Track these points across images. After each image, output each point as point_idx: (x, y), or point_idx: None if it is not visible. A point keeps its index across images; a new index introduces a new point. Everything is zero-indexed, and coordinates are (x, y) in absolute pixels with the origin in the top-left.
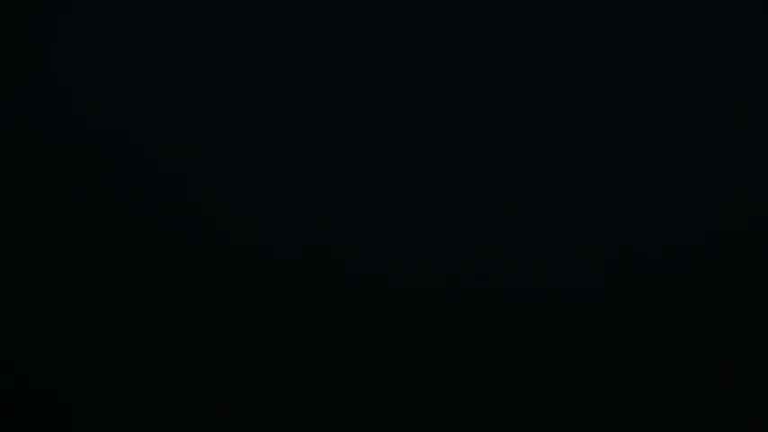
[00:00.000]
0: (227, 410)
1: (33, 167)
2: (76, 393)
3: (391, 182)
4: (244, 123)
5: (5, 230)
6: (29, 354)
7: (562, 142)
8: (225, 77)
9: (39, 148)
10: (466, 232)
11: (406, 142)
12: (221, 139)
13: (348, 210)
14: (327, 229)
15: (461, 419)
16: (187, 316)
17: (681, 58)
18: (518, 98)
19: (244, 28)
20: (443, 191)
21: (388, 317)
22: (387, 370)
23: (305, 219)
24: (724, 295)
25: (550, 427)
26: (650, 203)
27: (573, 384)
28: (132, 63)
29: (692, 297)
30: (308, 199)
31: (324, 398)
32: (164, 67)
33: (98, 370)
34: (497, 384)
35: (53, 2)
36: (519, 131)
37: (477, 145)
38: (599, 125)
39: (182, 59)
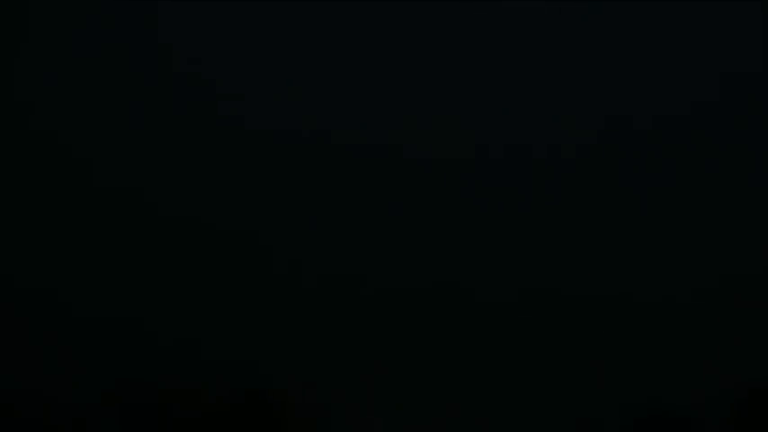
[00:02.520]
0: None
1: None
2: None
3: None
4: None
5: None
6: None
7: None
8: None
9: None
10: (469, 110)
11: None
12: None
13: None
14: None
15: (462, 290)
16: (206, 198)
17: None
18: None
19: None
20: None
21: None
22: (390, 237)
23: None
24: (705, 160)
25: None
26: (640, 77)
27: (568, 250)
28: None
29: (681, 163)
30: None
31: (332, 269)
32: None
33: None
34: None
35: None
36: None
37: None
38: (593, 7)
39: None
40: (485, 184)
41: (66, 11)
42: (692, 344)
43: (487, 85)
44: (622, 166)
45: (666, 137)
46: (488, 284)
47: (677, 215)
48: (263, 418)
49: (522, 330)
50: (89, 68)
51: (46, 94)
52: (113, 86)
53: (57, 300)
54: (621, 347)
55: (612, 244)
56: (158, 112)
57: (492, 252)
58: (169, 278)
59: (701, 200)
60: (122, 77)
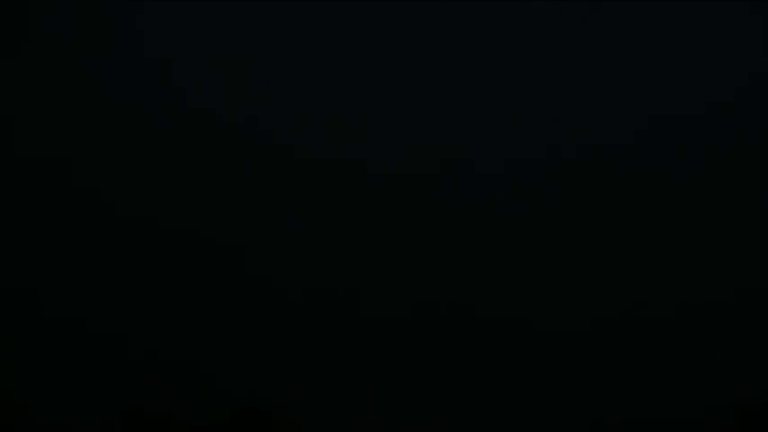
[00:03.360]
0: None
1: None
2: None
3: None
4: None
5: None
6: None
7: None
8: None
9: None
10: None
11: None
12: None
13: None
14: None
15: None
16: (204, 208)
17: None
18: None
19: None
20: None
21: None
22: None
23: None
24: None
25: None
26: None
27: (566, 259)
28: None
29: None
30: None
31: (322, 283)
32: None
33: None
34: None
35: None
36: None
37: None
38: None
39: None
40: (489, 190)
41: (57, 15)
42: (694, 356)
43: (485, 86)
44: (623, 170)
45: (668, 139)
46: (485, 298)
47: (682, 222)
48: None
49: (523, 342)
50: (76, 75)
51: (40, 102)
52: (101, 91)
53: (42, 314)
54: (626, 360)
55: (615, 253)
56: (142, 117)
57: (488, 264)
58: (154, 295)
59: (706, 206)
60: (113, 82)
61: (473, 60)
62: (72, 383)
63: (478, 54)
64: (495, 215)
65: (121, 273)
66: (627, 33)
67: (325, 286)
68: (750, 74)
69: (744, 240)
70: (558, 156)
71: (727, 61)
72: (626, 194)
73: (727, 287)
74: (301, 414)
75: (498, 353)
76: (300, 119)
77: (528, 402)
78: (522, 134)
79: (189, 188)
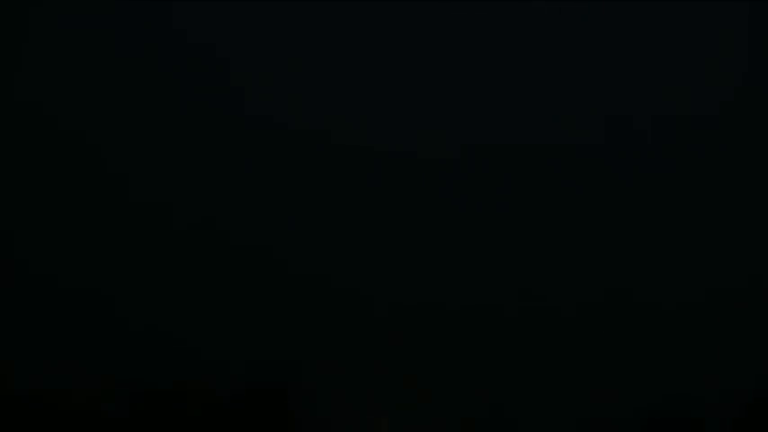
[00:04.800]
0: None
1: None
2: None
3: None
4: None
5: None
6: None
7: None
8: None
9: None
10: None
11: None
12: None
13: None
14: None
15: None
16: (214, 203)
17: None
18: None
19: None
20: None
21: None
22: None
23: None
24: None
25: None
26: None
27: (569, 253)
28: None
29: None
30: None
31: (331, 269)
32: None
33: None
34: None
35: None
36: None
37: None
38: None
39: None
40: (488, 185)
41: (72, 7)
42: (697, 347)
43: (486, 85)
44: (622, 168)
45: (669, 138)
46: (489, 290)
47: (683, 215)
48: (268, 414)
49: (528, 335)
50: (94, 62)
51: (57, 92)
52: (116, 82)
53: (60, 295)
54: (627, 351)
55: (616, 245)
56: (162, 110)
57: (489, 257)
58: (168, 276)
59: (707, 201)
60: (128, 72)
61: (476, 59)
62: (90, 362)
63: (480, 53)
64: (499, 208)
65: (141, 257)
66: (626, 33)
67: (336, 272)
68: (747, 74)
69: (740, 236)
70: (556, 152)
71: (727, 61)
72: (623, 191)
73: (725, 282)
74: (312, 393)
75: (505, 345)
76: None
77: (529, 394)
78: (521, 130)
79: (200, 178)
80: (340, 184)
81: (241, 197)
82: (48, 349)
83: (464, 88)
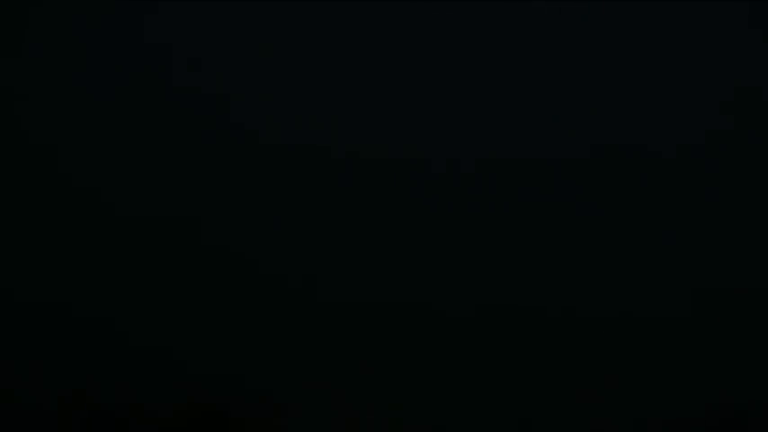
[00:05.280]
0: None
1: None
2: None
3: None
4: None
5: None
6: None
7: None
8: None
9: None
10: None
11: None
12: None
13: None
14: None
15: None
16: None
17: None
18: None
19: None
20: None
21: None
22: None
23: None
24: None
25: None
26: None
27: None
28: None
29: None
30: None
31: (296, 273)
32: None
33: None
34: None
35: None
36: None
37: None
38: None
39: None
40: (483, 190)
41: (62, 16)
42: (680, 359)
43: (484, 87)
44: (618, 177)
45: (669, 140)
46: (472, 298)
47: (674, 227)
48: (211, 427)
49: (517, 344)
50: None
51: (44, 103)
52: (107, 91)
53: (14, 299)
54: (612, 363)
55: (605, 257)
56: (148, 118)
57: (477, 266)
58: (130, 284)
59: (700, 213)
60: (115, 80)
61: (474, 61)
62: (27, 377)
63: (479, 54)
64: (500, 214)
65: (100, 262)
66: (627, 33)
67: (309, 275)
68: (750, 76)
69: (742, 240)
70: (557, 155)
71: (728, 62)
72: (625, 195)
73: (727, 287)
74: (261, 413)
75: (501, 349)
76: (300, 115)
77: (530, 397)
78: (523, 134)
79: (177, 176)
80: (332, 193)
81: (218, 202)
82: None
83: (461, 90)
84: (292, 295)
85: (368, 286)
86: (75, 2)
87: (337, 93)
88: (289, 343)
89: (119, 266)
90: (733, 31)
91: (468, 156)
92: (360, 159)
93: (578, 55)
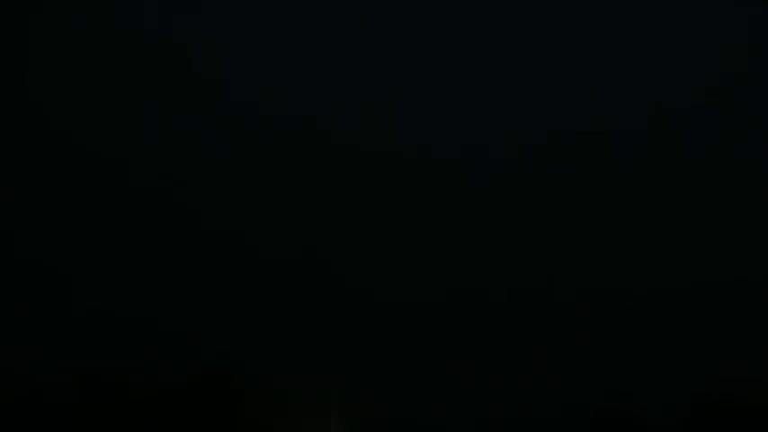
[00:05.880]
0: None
1: None
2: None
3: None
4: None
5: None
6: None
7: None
8: None
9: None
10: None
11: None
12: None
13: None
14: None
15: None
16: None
17: None
18: None
19: None
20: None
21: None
22: None
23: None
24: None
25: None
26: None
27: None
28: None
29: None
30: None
31: (296, 249)
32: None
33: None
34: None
35: None
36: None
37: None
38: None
39: None
40: (484, 182)
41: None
42: (660, 342)
43: (479, 81)
44: (612, 164)
45: (659, 133)
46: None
47: (662, 213)
48: (220, 398)
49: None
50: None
51: (58, 92)
52: (120, 81)
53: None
54: (601, 343)
55: (589, 241)
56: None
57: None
58: (132, 259)
59: (684, 198)
60: (128, 71)
61: (480, 53)
62: (36, 346)
63: (484, 47)
64: (508, 200)
65: (98, 241)
66: (629, 24)
67: (313, 258)
68: (742, 61)
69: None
70: (559, 142)
71: (722, 48)
72: (624, 181)
73: (725, 273)
74: (271, 378)
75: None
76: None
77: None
78: (529, 121)
79: (189, 161)
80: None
81: (209, 185)
82: None
83: (455, 85)
84: (303, 281)
85: (375, 272)
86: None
87: (344, 75)
88: (294, 323)
89: (139, 248)
90: (718, 10)
91: (480, 143)
92: (360, 151)
93: (569, 49)
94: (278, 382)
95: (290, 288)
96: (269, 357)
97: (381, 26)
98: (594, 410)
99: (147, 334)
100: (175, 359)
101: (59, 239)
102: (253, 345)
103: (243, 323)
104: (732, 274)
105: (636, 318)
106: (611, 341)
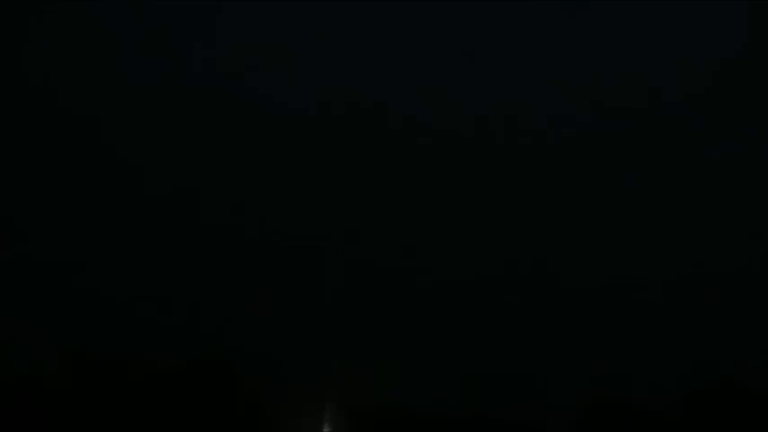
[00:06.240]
0: None
1: None
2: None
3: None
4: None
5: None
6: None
7: None
8: None
9: None
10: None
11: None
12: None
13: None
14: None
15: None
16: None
17: None
18: None
19: None
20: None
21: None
22: None
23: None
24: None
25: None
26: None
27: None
28: None
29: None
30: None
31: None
32: None
33: None
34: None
35: None
36: None
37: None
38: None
39: None
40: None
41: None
42: (656, 332)
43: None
44: (613, 150)
45: (659, 120)
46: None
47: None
48: (215, 382)
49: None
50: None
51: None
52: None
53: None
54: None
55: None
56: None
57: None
58: (126, 243)
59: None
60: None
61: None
62: (35, 329)
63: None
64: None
65: (94, 224)
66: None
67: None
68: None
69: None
70: (560, 112)
71: (719, 21)
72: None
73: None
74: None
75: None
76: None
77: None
78: (528, 91)
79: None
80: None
81: (202, 163)
82: None
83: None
84: (299, 257)
85: (374, 247)
86: None
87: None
88: (292, 304)
89: (140, 228)
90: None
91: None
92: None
93: (571, 32)
94: (280, 368)
95: (298, 271)
96: (272, 342)
97: None
98: (590, 395)
99: (145, 316)
100: (175, 342)
101: (60, 224)
102: (256, 329)
103: (248, 306)
104: (735, 264)
105: (642, 306)
106: (617, 327)
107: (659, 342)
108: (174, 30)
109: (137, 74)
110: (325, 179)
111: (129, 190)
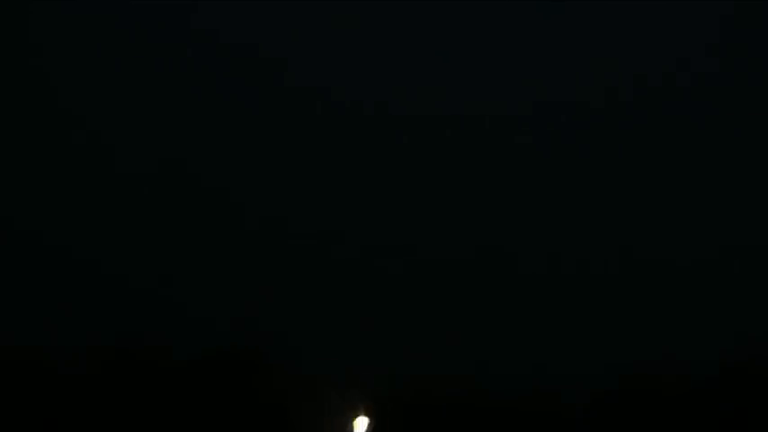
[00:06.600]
0: None
1: None
2: None
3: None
4: None
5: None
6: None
7: None
8: None
9: None
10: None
11: None
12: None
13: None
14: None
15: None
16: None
17: None
18: None
19: None
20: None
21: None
22: None
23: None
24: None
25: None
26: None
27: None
28: None
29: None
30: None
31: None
32: None
33: None
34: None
35: None
36: None
37: None
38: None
39: None
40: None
41: None
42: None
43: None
44: (626, 131)
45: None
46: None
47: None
48: (236, 371)
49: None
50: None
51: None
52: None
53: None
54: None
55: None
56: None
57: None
58: (138, 232)
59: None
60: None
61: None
62: (49, 317)
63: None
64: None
65: (106, 210)
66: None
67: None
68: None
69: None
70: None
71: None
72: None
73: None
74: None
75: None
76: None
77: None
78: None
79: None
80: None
81: (218, 150)
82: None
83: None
84: (309, 248)
85: (381, 235)
86: None
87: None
88: (304, 291)
89: (152, 219)
90: None
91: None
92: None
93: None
94: (304, 359)
95: (318, 261)
96: (298, 333)
97: None
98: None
99: (174, 305)
100: (196, 333)
101: (83, 217)
102: (283, 319)
103: (274, 296)
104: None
105: (642, 296)
106: (644, 309)
107: (666, 330)
108: (174, 30)
109: (137, 73)
110: (342, 177)
111: (157, 180)
